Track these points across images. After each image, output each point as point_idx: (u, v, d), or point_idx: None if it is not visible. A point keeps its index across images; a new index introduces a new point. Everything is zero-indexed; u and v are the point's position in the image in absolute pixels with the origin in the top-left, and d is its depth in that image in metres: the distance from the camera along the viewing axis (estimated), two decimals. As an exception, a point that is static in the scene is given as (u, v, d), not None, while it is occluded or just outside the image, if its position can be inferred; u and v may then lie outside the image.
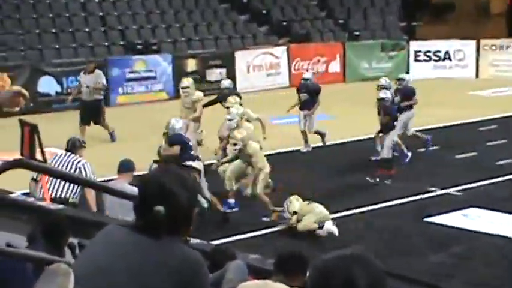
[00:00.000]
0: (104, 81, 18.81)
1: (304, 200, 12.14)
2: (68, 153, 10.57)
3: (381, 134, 15.57)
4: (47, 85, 23.02)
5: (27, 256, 3.40)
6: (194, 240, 5.06)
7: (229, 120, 13.60)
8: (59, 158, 10.50)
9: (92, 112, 18.31)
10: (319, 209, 11.96)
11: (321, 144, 17.53)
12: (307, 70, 27.22)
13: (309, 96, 17.52)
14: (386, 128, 15.29)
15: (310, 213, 11.88)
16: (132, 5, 28.05)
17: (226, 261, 4.67)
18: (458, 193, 14.03)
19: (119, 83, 24.09)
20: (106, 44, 25.98)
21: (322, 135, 17.59)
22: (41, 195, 9.95)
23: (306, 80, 18.08)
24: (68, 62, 23.94)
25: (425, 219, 12.57)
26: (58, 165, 10.15)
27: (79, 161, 10.39)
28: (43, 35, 25.30)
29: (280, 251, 5.43)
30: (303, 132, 17.44)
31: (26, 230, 5.74)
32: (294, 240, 11.65)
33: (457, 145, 17.47)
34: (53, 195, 9.99)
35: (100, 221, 6.62)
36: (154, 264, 2.86)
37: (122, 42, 26.35)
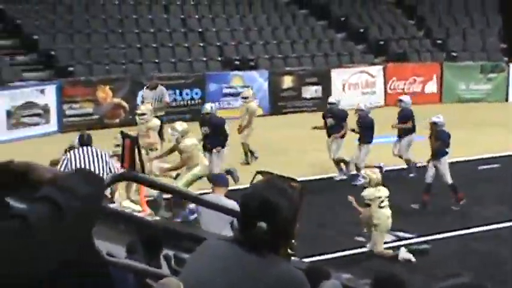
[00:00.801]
0: (168, 98, 18.56)
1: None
2: (87, 148, 11.03)
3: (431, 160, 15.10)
4: (146, 98, 23.43)
5: (131, 267, 3.46)
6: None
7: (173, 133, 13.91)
8: (83, 153, 10.98)
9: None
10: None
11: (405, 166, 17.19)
12: (403, 90, 27.07)
13: (335, 121, 17.19)
14: (437, 153, 14.98)
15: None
16: (230, 21, 28.37)
17: (321, 281, 4.65)
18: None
19: (215, 98, 24.35)
20: (204, 59, 26.32)
21: (346, 163, 17.12)
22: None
23: (332, 104, 17.76)
24: (167, 76, 24.34)
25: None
26: (86, 160, 10.81)
27: (102, 153, 11.14)
28: (144, 49, 25.79)
29: (377, 273, 5.38)
30: (334, 161, 17.08)
31: (124, 240, 5.86)
32: (381, 261, 11.56)
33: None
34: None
35: (195, 234, 6.71)
36: (255, 280, 2.81)
37: (219, 58, 26.65)
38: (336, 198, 14.37)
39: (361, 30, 30.22)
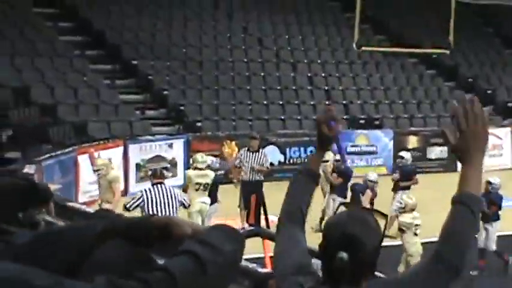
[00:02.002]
0: (269, 163, 17.34)
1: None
2: (162, 186, 11.45)
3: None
4: (271, 154, 23.58)
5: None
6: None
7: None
8: (159, 191, 11.36)
9: (255, 194, 16.18)
10: None
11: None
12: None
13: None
14: (491, 217, 14.38)
15: None
16: (357, 80, 28.43)
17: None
18: None
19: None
20: (329, 117, 26.32)
21: None
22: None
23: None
24: (292, 133, 24.55)
25: None
26: (161, 199, 11.20)
27: (175, 192, 11.58)
28: (270, 106, 26.09)
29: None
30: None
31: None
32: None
33: None
34: None
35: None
36: None
37: (345, 116, 26.67)
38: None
39: (489, 91, 29.74)
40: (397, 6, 30.27)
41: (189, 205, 12.48)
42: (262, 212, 15.51)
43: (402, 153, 17.59)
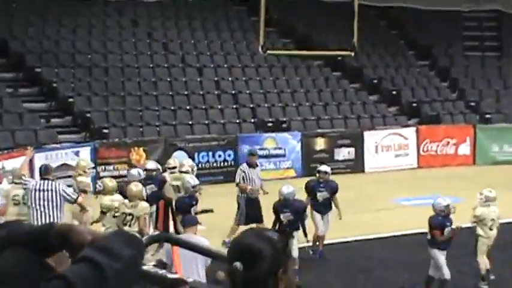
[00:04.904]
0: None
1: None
2: (45, 182, 11.94)
3: None
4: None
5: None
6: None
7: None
8: (40, 186, 11.89)
9: (257, 211, 16.23)
10: None
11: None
12: (436, 152, 27.07)
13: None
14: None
15: None
16: (264, 84, 28.59)
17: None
18: None
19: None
20: (237, 121, 26.50)
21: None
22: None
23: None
24: (200, 138, 24.58)
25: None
26: (41, 194, 11.74)
27: (56, 186, 11.95)
28: (178, 111, 26.04)
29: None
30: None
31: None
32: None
33: None
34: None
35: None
36: None
37: (252, 120, 26.82)
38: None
39: (394, 92, 30.32)
40: (303, 10, 30.60)
41: (75, 200, 12.70)
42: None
43: (321, 168, 16.10)
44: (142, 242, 2.28)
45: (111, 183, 14.06)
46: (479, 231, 14.20)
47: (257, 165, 17.10)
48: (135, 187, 13.09)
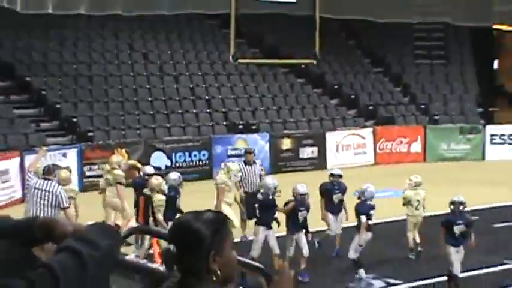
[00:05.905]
0: (264, 172, 16.60)
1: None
2: (45, 181, 11.62)
3: None
4: (158, 160, 23.54)
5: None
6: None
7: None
8: (40, 185, 11.59)
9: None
10: None
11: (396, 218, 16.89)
12: (390, 150, 27.23)
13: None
14: None
15: None
16: (235, 90, 28.59)
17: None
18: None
19: (221, 159, 24.43)
20: (211, 124, 26.47)
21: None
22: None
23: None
24: (177, 139, 24.53)
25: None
26: (40, 193, 11.46)
27: (55, 188, 11.58)
28: (156, 115, 25.97)
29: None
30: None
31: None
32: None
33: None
34: None
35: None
36: None
37: (224, 123, 26.80)
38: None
39: (353, 96, 30.46)
40: (270, 23, 30.60)
41: (66, 207, 11.77)
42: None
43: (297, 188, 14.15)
44: (118, 233, 2.27)
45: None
46: (407, 211, 14.57)
47: (254, 162, 16.59)
48: (156, 180, 13.25)
